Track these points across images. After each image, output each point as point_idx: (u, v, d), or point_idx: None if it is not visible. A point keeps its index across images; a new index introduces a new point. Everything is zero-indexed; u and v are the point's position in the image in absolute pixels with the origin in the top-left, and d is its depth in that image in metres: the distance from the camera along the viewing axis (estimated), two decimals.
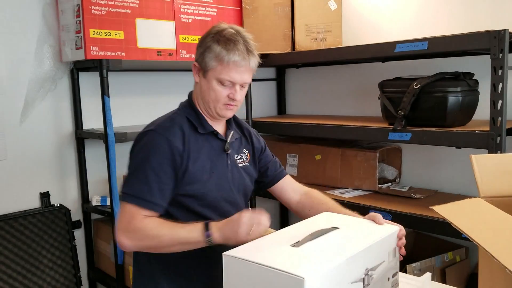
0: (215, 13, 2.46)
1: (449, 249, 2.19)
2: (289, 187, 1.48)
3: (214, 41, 1.19)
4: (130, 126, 2.31)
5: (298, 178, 2.72)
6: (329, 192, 2.46)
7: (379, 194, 2.38)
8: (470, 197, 1.11)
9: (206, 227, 1.09)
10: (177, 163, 1.17)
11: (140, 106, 2.46)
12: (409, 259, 2.07)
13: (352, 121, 2.39)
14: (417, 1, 2.38)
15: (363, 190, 2.45)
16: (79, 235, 2.34)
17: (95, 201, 2.27)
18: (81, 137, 2.27)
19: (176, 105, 1.35)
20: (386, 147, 2.51)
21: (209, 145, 1.24)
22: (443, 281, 2.08)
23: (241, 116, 2.69)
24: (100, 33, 2.03)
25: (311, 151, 2.68)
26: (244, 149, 1.36)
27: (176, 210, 1.21)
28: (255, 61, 1.23)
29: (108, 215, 2.19)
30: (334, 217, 1.18)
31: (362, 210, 2.24)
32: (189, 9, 2.34)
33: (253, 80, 2.82)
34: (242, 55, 1.18)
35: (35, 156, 2.19)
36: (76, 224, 2.33)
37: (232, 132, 1.31)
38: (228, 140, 1.28)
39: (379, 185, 2.42)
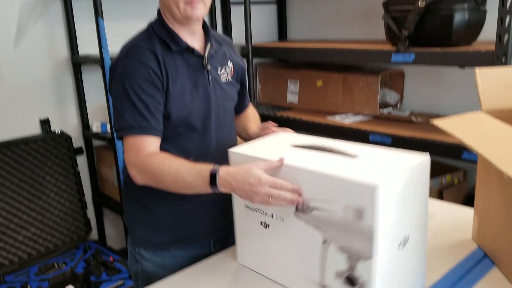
0: None
1: (447, 171, 2.22)
2: (250, 117, 1.42)
3: None
4: None
5: (299, 105, 2.71)
6: (329, 118, 2.45)
7: (380, 119, 2.37)
8: None
9: (213, 179, 0.98)
10: (157, 83, 1.12)
11: (137, 30, 2.39)
12: None
13: (355, 44, 2.32)
14: None
15: (364, 116, 2.44)
16: (81, 161, 2.36)
17: (95, 127, 2.28)
18: (77, 63, 2.23)
19: None
20: (388, 71, 2.47)
21: (187, 63, 1.17)
22: None
23: (240, 41, 2.63)
24: None
25: (312, 77, 2.64)
26: (227, 63, 1.27)
27: (164, 134, 1.15)
28: None
29: (109, 142, 2.20)
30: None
31: (362, 135, 2.25)
32: None
33: (252, 3, 2.71)
34: None
35: (32, 82, 2.17)
36: (78, 151, 2.35)
37: (209, 47, 1.21)
38: (206, 55, 1.19)
39: (380, 110, 2.40)
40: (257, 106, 2.84)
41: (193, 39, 1.20)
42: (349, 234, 0.85)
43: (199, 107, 1.17)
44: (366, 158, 0.94)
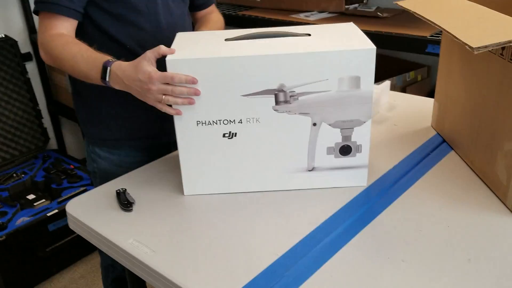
0: None
1: (412, 69, 2.19)
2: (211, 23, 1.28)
3: None
4: None
5: (262, 3, 2.57)
6: (293, 15, 2.34)
7: (346, 15, 2.27)
8: None
9: (104, 73, 0.90)
10: None
11: None
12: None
13: None
14: None
15: (329, 13, 2.34)
16: (32, 68, 2.21)
17: None
18: None
19: None
20: None
21: None
22: None
23: None
24: None
25: None
26: None
27: (97, 13, 1.05)
28: None
29: None
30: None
31: None
32: None
33: None
34: None
35: None
36: (27, 57, 2.19)
37: None
38: None
39: (346, 6, 2.30)
40: (217, 5, 2.68)
41: None
42: (344, 106, 0.85)
43: None
44: (320, 34, 0.91)
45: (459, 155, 1.02)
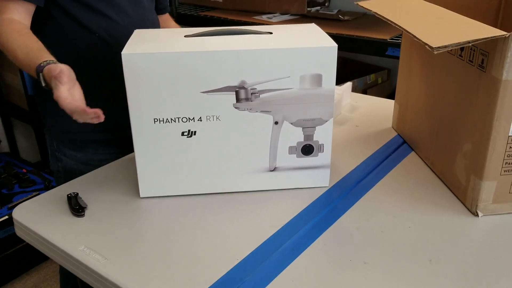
0: None
1: (372, 71, 2.22)
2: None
3: None
4: None
5: (224, 3, 2.54)
6: (256, 17, 2.33)
7: (308, 17, 2.28)
8: None
9: (38, 74, 0.86)
10: None
11: None
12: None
13: None
14: None
15: (292, 15, 2.34)
16: None
17: None
18: None
19: None
20: None
21: None
22: None
23: None
24: None
25: None
26: None
27: (67, 1, 1.01)
28: None
29: None
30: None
31: None
32: None
33: None
34: None
35: None
36: None
37: None
38: None
39: (308, 9, 2.31)
40: (178, 6, 2.64)
41: None
42: (306, 104, 0.84)
43: None
44: (282, 33, 0.89)
45: (419, 156, 1.03)
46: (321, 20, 2.20)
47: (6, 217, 1.69)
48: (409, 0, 0.99)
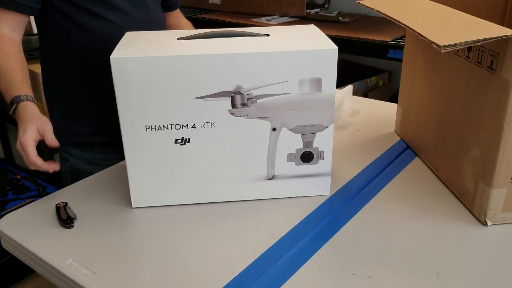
0: None
1: (373, 74, 2.18)
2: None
3: None
4: None
5: (222, 6, 2.51)
6: (254, 19, 2.29)
7: (307, 19, 2.24)
8: None
9: (12, 104, 0.90)
10: None
11: None
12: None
13: None
14: None
15: (291, 17, 2.30)
16: None
17: None
18: None
19: None
20: None
21: None
22: None
23: None
24: None
25: None
26: None
27: (68, 8, 0.99)
28: None
29: None
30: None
31: None
32: None
33: None
34: None
35: None
36: None
37: None
38: None
39: (308, 11, 2.27)
40: None
41: None
42: (305, 110, 0.80)
43: None
44: (279, 35, 0.85)
45: (424, 162, 0.99)
46: (321, 22, 2.16)
47: None
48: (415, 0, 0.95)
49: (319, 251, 0.73)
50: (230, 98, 0.78)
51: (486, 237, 0.77)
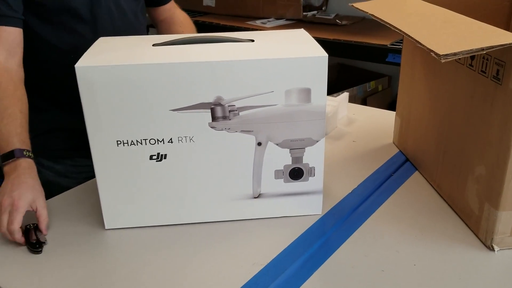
0: None
1: (372, 78, 2.11)
2: (180, 22, 1.19)
3: None
4: None
5: (217, 8, 2.44)
6: (249, 22, 2.22)
7: (304, 22, 2.18)
8: None
9: (6, 158, 0.78)
10: None
11: None
12: (332, 90, 1.97)
13: None
14: None
15: (287, 20, 2.23)
16: None
17: None
18: None
19: None
20: None
21: None
22: None
23: None
24: None
25: None
26: None
27: (34, 21, 0.92)
28: None
29: None
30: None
31: None
32: None
33: None
34: None
35: None
36: None
37: None
38: None
39: (304, 13, 2.21)
40: None
41: None
42: (293, 123, 0.73)
43: None
44: (265, 40, 0.78)
45: (424, 177, 0.91)
46: (318, 25, 2.10)
47: None
48: (410, 1, 0.88)
49: (308, 280, 0.66)
50: (210, 110, 0.71)
51: (493, 263, 0.69)
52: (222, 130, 0.72)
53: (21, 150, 0.78)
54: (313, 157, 0.76)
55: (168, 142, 0.72)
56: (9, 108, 0.80)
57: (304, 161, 0.76)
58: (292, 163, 0.76)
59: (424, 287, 0.64)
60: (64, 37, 0.94)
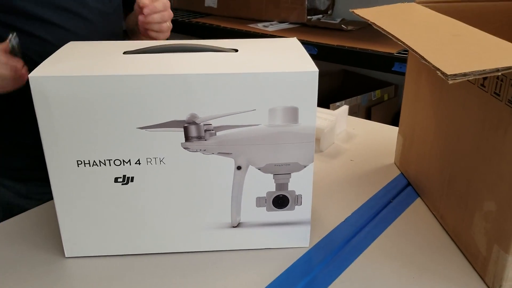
0: None
1: (378, 87, 2.02)
2: None
3: None
4: None
5: (218, 10, 2.36)
6: (251, 25, 2.14)
7: (308, 26, 2.09)
8: None
9: None
10: None
11: None
12: (335, 98, 1.88)
13: None
14: None
15: (290, 23, 2.15)
16: None
17: None
18: None
19: None
20: None
21: None
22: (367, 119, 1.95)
23: None
24: None
25: None
26: None
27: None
28: None
29: None
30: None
31: None
32: None
33: None
34: None
35: None
36: None
37: None
38: None
39: (309, 17, 2.12)
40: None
41: None
42: (277, 146, 0.64)
43: None
44: (250, 51, 0.69)
45: (426, 205, 0.82)
46: (322, 30, 2.01)
47: None
48: (416, 10, 0.79)
49: None
50: (183, 129, 0.62)
51: None
52: (196, 151, 0.64)
53: None
54: (300, 183, 0.67)
55: (136, 163, 0.64)
56: None
57: (289, 188, 0.67)
58: (276, 190, 0.67)
59: None
60: (24, 41, 0.85)
